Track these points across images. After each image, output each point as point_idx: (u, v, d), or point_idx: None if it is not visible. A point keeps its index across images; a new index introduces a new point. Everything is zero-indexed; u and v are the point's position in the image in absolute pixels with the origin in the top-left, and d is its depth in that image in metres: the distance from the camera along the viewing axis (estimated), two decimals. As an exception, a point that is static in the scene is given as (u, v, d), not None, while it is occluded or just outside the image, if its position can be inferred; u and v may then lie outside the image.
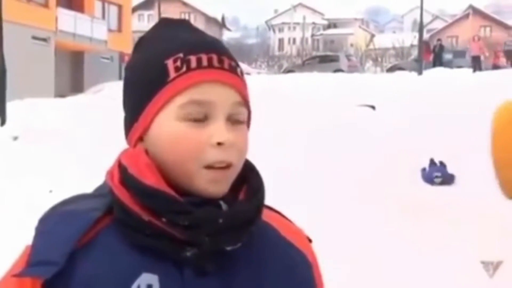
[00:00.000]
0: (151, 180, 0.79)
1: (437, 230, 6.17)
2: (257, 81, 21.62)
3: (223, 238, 0.79)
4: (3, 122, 11.22)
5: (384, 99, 14.03)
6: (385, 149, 10.10)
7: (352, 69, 27.40)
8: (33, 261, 0.77)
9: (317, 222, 4.58)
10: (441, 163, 8.77)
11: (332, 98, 14.18)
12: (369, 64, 47.30)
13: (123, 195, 0.80)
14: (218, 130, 0.80)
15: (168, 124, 0.81)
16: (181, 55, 0.82)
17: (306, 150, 9.95)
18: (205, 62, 0.82)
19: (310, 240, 0.94)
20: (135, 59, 0.88)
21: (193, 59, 0.82)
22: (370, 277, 4.77)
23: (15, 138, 10.51)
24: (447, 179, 8.48)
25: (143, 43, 0.89)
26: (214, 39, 0.88)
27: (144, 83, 0.83)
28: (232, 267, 0.81)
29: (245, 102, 0.85)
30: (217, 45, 0.86)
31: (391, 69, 27.82)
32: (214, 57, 0.83)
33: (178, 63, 0.82)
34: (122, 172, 0.81)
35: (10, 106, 11.80)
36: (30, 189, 7.27)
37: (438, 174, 8.49)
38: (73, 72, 25.90)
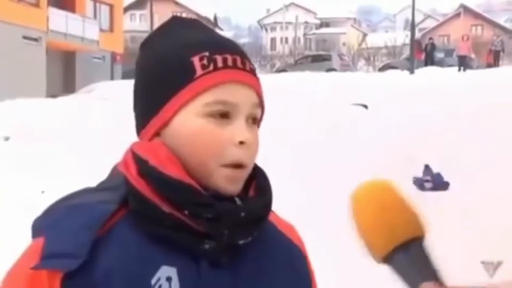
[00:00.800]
0: (175, 172, 0.80)
1: (433, 230, 6.18)
2: (250, 80, 21.48)
3: (240, 232, 0.81)
4: (-6, 123, 11.15)
5: (376, 98, 14.06)
6: (378, 148, 10.12)
7: (344, 68, 27.44)
8: (49, 253, 0.75)
9: (310, 221, 4.59)
10: (438, 174, 8.52)
11: (325, 97, 14.20)
12: (361, 63, 47.35)
13: (143, 187, 0.80)
14: (240, 129, 0.83)
15: (190, 120, 0.82)
16: (206, 53, 0.84)
17: (298, 149, 9.95)
18: (230, 63, 0.84)
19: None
20: (151, 54, 0.88)
21: (219, 58, 0.84)
22: (368, 276, 4.77)
23: (7, 139, 10.46)
24: (440, 186, 8.20)
25: (158, 39, 0.89)
26: (233, 41, 0.91)
27: (167, 78, 0.84)
28: (241, 260, 0.83)
29: (261, 103, 0.88)
30: (238, 47, 0.89)
31: (383, 68, 27.90)
32: (238, 59, 0.85)
33: (205, 61, 0.83)
34: (141, 164, 0.81)
35: (1, 106, 11.75)
36: (22, 189, 7.23)
37: (428, 178, 8.23)
38: (64, 72, 25.81)
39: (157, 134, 0.85)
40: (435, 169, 8.87)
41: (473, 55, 21.64)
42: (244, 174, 0.84)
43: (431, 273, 0.60)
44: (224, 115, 0.83)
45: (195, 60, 0.83)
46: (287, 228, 0.95)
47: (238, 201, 0.83)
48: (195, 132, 0.82)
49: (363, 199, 0.62)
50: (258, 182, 0.87)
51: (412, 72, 20.90)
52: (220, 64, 0.83)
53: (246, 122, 0.84)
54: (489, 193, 7.65)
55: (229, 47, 0.86)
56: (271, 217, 0.92)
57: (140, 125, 0.88)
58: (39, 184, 7.40)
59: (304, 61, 30.10)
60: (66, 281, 0.75)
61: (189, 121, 0.82)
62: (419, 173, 9.14)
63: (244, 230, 0.82)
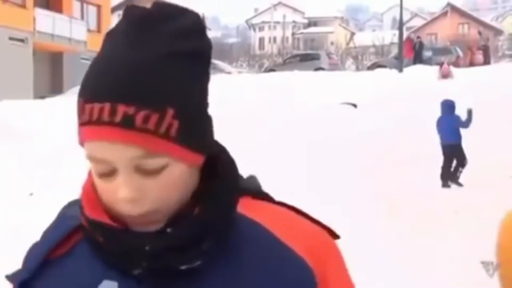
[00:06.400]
0: (92, 212, 0.79)
1: (426, 229, 6.18)
2: (238, 80, 21.54)
3: (170, 258, 0.76)
4: (-19, 125, 11.05)
5: (365, 97, 14.10)
6: (367, 147, 10.15)
7: (333, 67, 27.50)
8: (23, 265, 0.82)
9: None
10: None
11: (314, 97, 14.22)
12: (349, 62, 47.42)
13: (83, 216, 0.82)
14: (120, 185, 0.75)
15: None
16: (81, 100, 0.75)
17: (290, 148, 9.95)
18: (95, 116, 0.73)
19: (337, 237, 0.86)
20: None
21: (87, 109, 0.74)
22: (366, 276, 4.76)
23: (-6, 141, 10.35)
24: None
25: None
26: (126, 69, 0.74)
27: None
28: (202, 278, 0.77)
29: (157, 149, 0.74)
30: (118, 85, 0.73)
31: (372, 67, 27.96)
32: (106, 108, 0.72)
33: (80, 110, 0.75)
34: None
35: (-12, 108, 11.64)
36: (10, 192, 7.17)
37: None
38: (52, 73, 25.65)
39: None
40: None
41: (453, 75, 21.14)
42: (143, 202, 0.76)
43: None
44: (106, 171, 0.75)
45: (80, 101, 0.76)
46: (293, 237, 0.81)
47: (169, 230, 0.76)
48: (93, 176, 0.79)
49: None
50: (206, 199, 0.78)
51: (400, 70, 20.98)
52: (85, 118, 0.74)
53: (135, 173, 0.74)
54: (483, 190, 7.68)
55: (101, 90, 0.73)
56: (272, 220, 0.81)
57: None
58: (27, 186, 7.34)
59: (292, 60, 30.08)
60: None
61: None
62: (410, 171, 9.18)
63: (177, 256, 0.75)
